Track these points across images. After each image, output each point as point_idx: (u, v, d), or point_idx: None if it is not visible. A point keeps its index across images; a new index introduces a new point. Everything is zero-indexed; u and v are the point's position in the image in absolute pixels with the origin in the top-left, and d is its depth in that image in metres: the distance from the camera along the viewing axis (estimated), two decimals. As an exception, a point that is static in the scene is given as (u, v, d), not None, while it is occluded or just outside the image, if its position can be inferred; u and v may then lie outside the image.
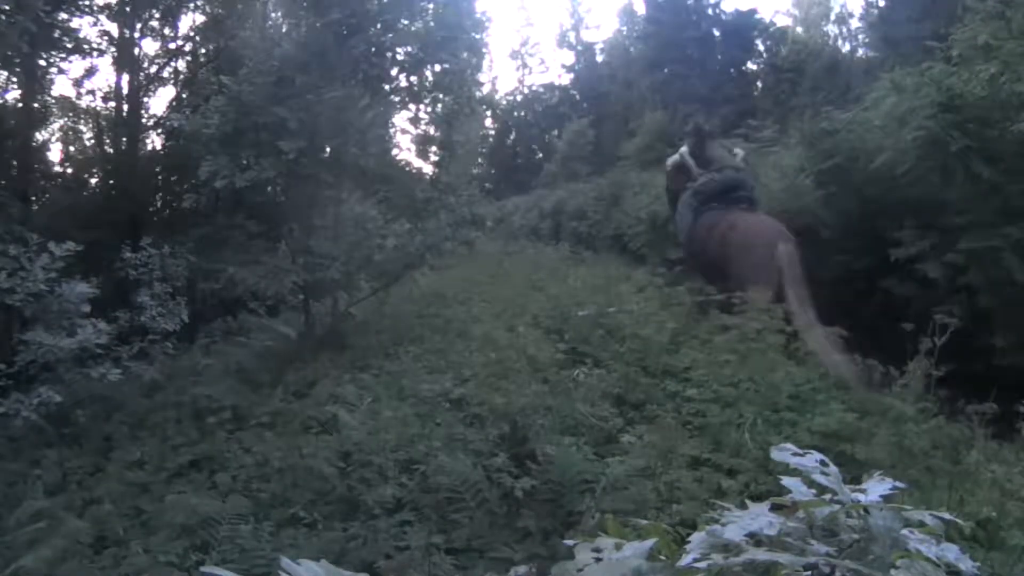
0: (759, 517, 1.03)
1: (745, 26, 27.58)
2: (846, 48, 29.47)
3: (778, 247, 5.65)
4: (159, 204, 14.45)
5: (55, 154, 15.24)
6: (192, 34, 14.26)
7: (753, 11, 28.06)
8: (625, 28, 35.97)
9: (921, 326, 3.99)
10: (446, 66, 8.75)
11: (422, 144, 11.32)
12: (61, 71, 12.85)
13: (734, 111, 20.89)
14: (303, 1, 8.48)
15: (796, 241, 5.82)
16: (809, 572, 0.95)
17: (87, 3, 12.41)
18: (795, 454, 1.15)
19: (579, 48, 37.62)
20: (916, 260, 5.58)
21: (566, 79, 37.88)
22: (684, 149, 7.28)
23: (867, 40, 26.62)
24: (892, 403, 3.93)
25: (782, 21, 31.18)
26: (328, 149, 8.26)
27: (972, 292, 5.23)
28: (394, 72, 8.74)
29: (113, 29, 13.21)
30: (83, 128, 15.38)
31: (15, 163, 12.56)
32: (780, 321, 4.85)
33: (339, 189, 8.29)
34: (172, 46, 14.36)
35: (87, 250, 7.18)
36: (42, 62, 12.11)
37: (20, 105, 12.47)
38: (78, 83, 13.75)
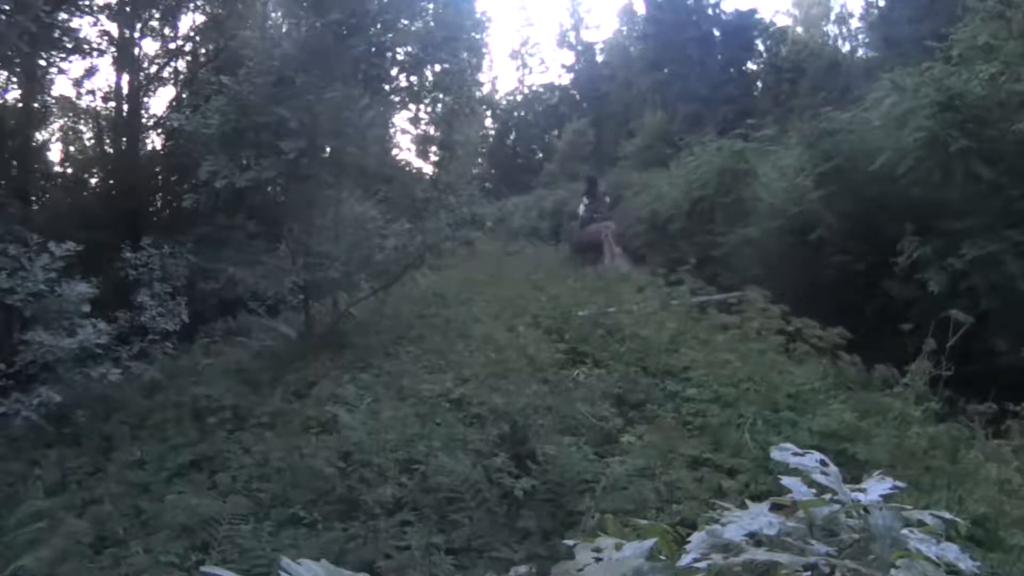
0: (759, 517, 1.03)
1: (745, 26, 27.58)
2: (846, 48, 29.41)
3: (604, 231, 11.20)
4: (159, 204, 14.40)
5: (55, 154, 15.15)
6: (192, 34, 14.23)
7: (753, 11, 28.08)
8: (625, 28, 35.98)
9: (921, 327, 3.99)
10: (446, 66, 8.76)
11: (422, 144, 11.35)
12: (61, 71, 12.80)
13: (734, 111, 20.90)
14: (303, 1, 8.46)
15: (615, 229, 11.41)
16: (809, 572, 0.95)
17: (87, 3, 12.38)
18: (795, 454, 1.15)
19: (579, 48, 37.62)
20: (917, 269, 5.59)
21: (566, 79, 37.94)
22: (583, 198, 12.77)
23: (867, 40, 26.60)
24: (893, 403, 3.94)
25: (782, 21, 31.17)
26: (328, 149, 8.24)
27: (974, 295, 5.24)
28: (394, 72, 8.75)
29: (113, 29, 13.17)
30: (83, 128, 15.30)
31: (15, 163, 12.54)
32: (779, 320, 4.88)
33: (339, 189, 8.28)
34: (172, 46, 14.32)
35: (87, 250, 7.15)
36: (42, 62, 12.07)
37: (20, 105, 12.43)
38: (78, 83, 13.68)
